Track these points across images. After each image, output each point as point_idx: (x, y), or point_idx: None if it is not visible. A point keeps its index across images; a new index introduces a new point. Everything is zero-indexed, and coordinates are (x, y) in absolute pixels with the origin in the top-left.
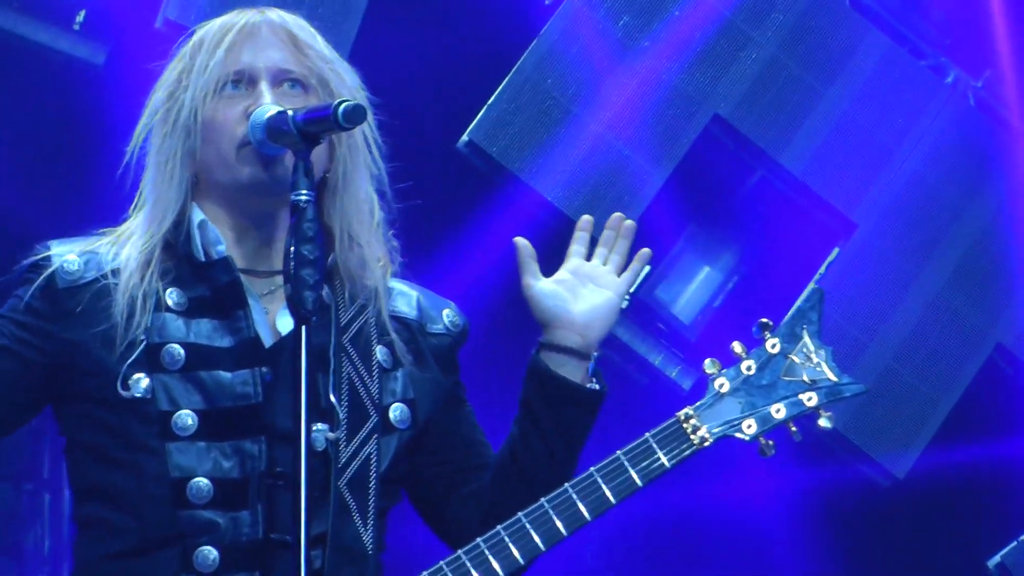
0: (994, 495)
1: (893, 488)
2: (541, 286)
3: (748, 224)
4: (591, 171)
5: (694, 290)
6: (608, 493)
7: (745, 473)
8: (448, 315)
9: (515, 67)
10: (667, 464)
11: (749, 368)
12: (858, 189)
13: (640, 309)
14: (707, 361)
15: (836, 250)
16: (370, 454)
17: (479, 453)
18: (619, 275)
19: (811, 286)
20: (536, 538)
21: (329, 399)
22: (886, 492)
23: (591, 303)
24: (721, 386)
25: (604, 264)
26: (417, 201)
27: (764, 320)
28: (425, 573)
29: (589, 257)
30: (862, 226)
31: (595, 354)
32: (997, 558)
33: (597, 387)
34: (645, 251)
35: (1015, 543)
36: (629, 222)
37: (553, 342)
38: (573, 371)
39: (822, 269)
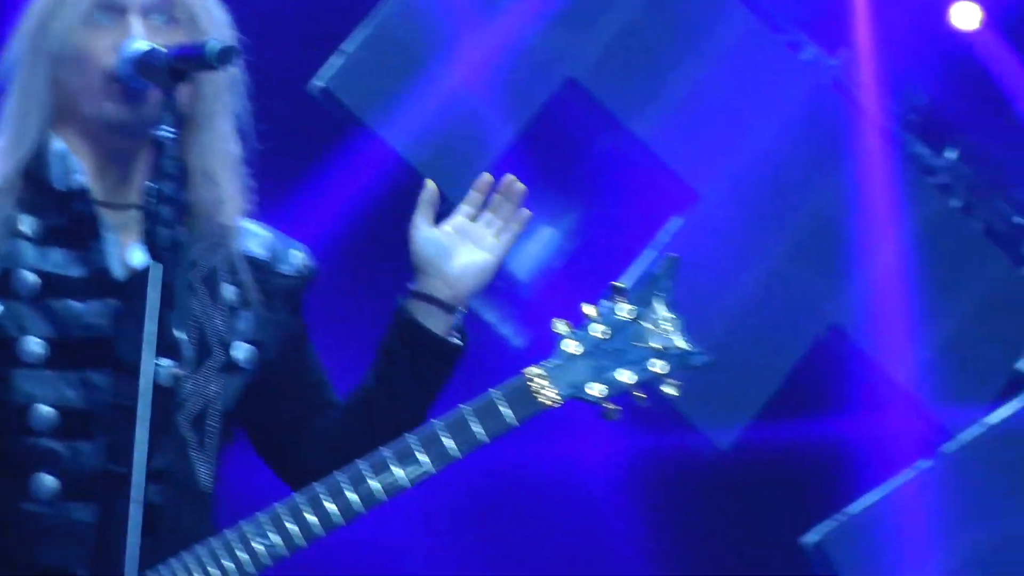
0: (815, 474)
1: (716, 459)
2: (427, 232)
3: (593, 188)
4: (442, 125)
5: (533, 249)
6: (454, 445)
7: (571, 435)
8: (299, 258)
9: (374, 14)
10: (515, 422)
11: (600, 331)
12: (706, 161)
13: None
14: (558, 321)
15: (677, 219)
16: (213, 392)
17: (323, 393)
18: (500, 238)
19: (655, 254)
20: (375, 486)
21: (176, 335)
22: (709, 463)
23: (469, 260)
24: (571, 347)
25: (488, 226)
26: (272, 144)
27: (617, 283)
28: (260, 514)
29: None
30: (706, 198)
31: (461, 310)
32: (812, 535)
33: (458, 341)
34: (524, 212)
35: (830, 521)
36: (519, 186)
37: (422, 291)
38: (437, 323)
39: (662, 237)
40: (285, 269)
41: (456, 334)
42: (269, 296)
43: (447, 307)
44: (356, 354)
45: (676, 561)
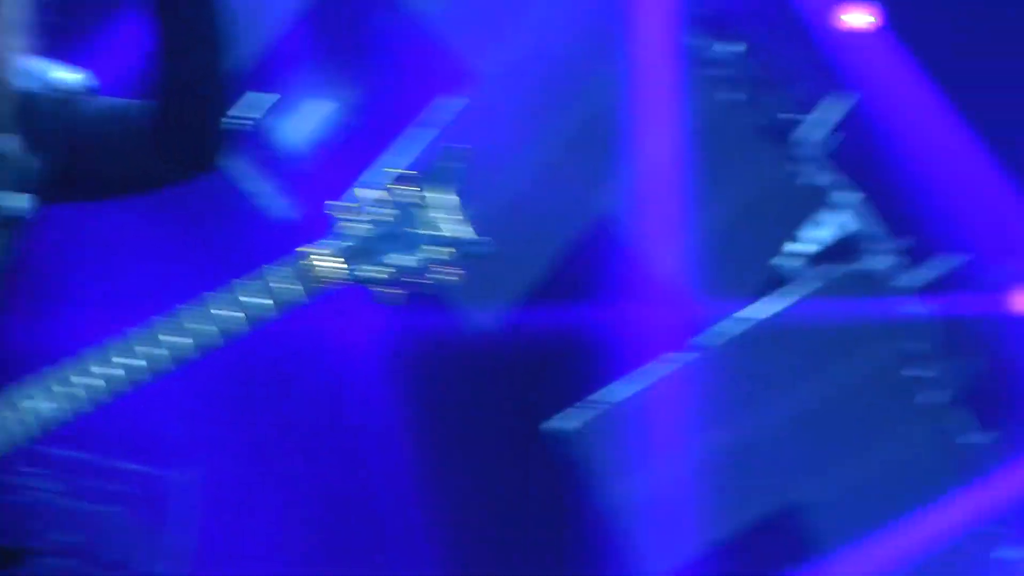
0: (568, 362)
1: (474, 342)
2: None
3: (371, 61)
4: None
5: (306, 120)
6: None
7: (329, 309)
8: (65, 77)
9: None
10: (295, 299)
11: (381, 214)
12: (485, 42)
13: (250, 134)
14: (338, 202)
15: (454, 99)
16: None
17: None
18: None
19: (424, 132)
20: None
21: None
22: (467, 346)
23: None
24: (350, 229)
25: None
26: None
27: (404, 169)
28: None
29: None
30: (484, 79)
31: None
32: (555, 422)
33: None
34: None
35: (574, 408)
36: None
37: None
38: None
39: (438, 116)
40: (54, 94)
41: None
42: (40, 132)
43: None
44: None
45: (428, 442)
